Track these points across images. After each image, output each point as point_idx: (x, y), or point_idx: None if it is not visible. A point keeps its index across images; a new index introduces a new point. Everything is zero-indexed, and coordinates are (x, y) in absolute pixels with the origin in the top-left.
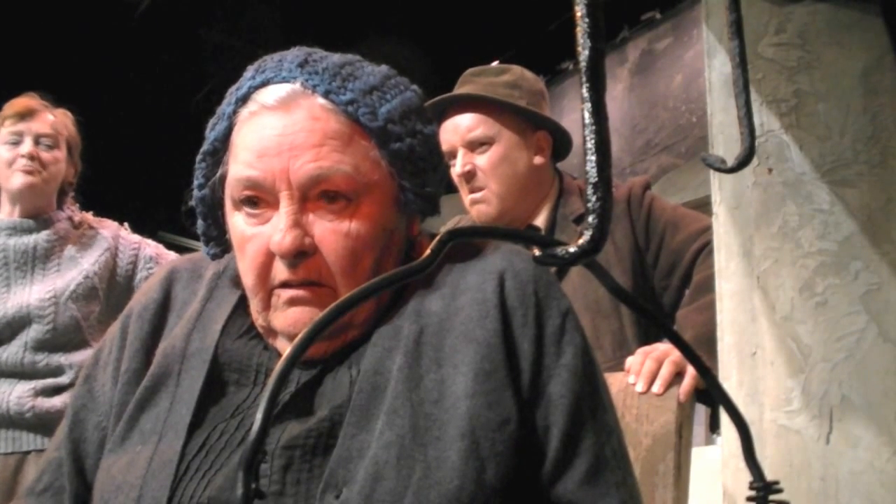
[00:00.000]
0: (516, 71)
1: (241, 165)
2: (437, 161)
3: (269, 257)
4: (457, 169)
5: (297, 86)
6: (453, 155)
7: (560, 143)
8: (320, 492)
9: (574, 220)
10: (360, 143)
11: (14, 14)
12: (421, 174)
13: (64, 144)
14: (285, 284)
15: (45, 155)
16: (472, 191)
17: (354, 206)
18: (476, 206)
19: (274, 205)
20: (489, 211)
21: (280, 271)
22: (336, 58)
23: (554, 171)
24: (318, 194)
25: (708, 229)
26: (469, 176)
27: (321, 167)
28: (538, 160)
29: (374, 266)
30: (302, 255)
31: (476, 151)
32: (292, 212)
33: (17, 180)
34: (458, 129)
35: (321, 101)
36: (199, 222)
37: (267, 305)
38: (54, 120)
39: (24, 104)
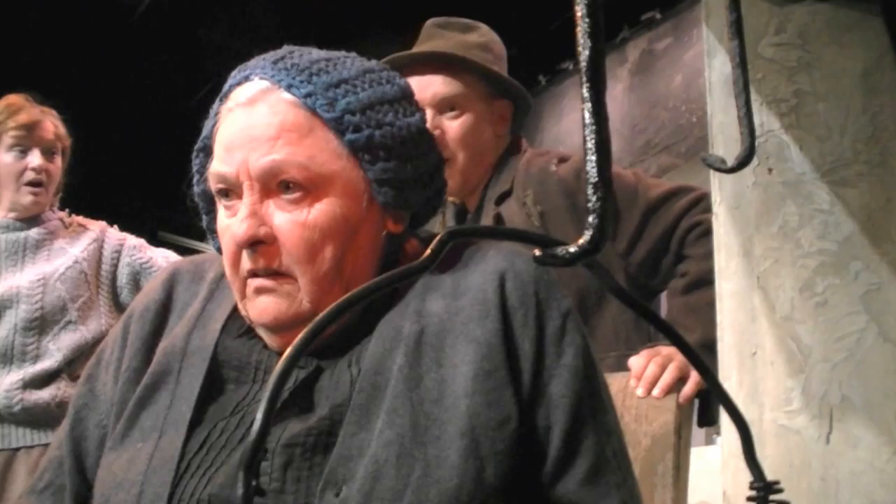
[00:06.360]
0: (484, 31)
1: (215, 160)
2: (411, 153)
3: (239, 247)
4: None
5: (266, 82)
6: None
7: (519, 114)
8: (320, 490)
9: (496, 201)
10: (319, 135)
11: (13, 13)
12: (385, 164)
13: (60, 150)
14: (252, 274)
15: (51, 166)
16: None
17: (313, 197)
18: None
19: (241, 197)
20: (453, 186)
21: (245, 260)
22: (315, 54)
23: (505, 141)
24: (277, 185)
25: (693, 205)
26: (437, 141)
27: (275, 159)
28: (500, 131)
29: (337, 258)
30: (259, 243)
31: (444, 115)
32: (251, 202)
33: (26, 198)
34: (427, 87)
35: (284, 95)
36: (203, 217)
37: (243, 295)
38: (54, 128)
39: (28, 117)
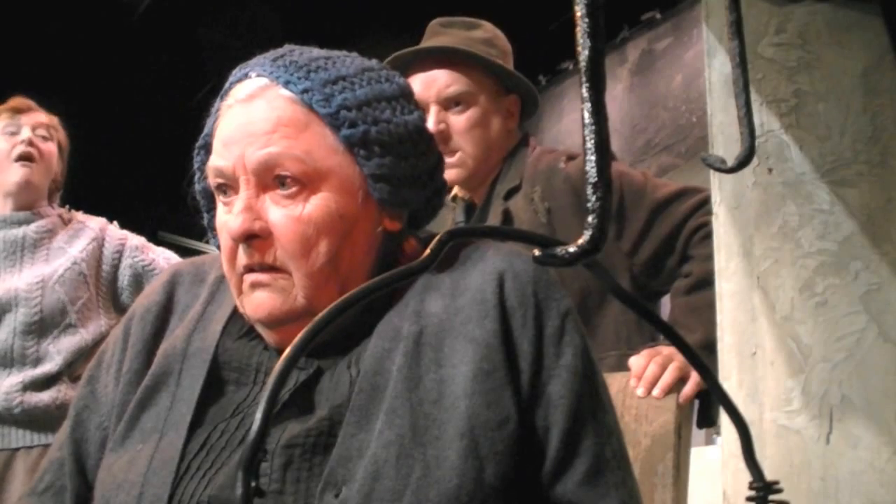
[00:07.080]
0: (489, 28)
1: (213, 155)
2: (408, 150)
3: (235, 241)
4: (429, 126)
5: (265, 79)
6: (426, 109)
7: (526, 109)
8: (320, 490)
9: (504, 196)
10: (316, 131)
11: (13, 13)
12: (381, 160)
13: (56, 141)
14: (248, 269)
15: (42, 145)
16: (445, 153)
17: (308, 192)
18: (449, 169)
19: (238, 192)
20: (462, 174)
21: (241, 255)
22: (315, 53)
23: (515, 137)
24: (273, 179)
25: (700, 206)
26: (441, 136)
27: (270, 152)
28: (510, 125)
29: (332, 253)
30: (254, 237)
31: (450, 111)
32: (247, 197)
33: (16, 174)
34: (432, 84)
35: (282, 91)
36: (204, 214)
37: (239, 291)
38: (48, 119)
39: (20, 102)
